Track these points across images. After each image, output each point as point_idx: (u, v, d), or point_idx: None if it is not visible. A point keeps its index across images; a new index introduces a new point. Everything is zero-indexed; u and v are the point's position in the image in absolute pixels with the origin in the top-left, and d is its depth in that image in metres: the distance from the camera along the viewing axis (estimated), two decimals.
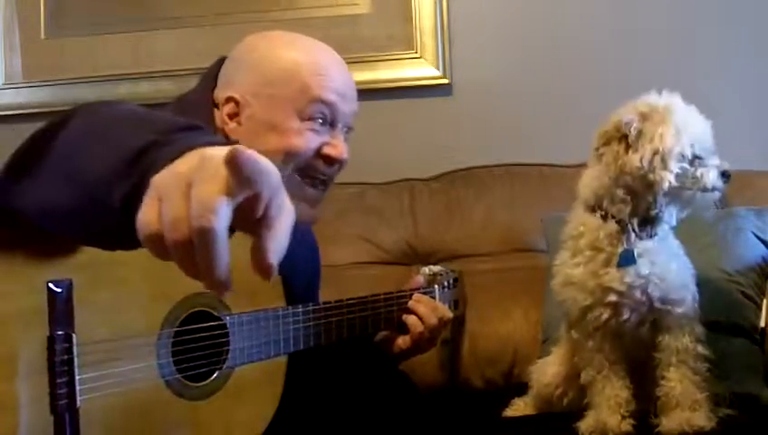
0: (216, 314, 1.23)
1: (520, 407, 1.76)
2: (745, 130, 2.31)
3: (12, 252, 0.97)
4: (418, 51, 2.46)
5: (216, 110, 1.42)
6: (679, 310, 1.51)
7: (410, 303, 1.64)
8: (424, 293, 1.69)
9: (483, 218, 2.22)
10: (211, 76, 1.46)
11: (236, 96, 1.40)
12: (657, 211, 1.50)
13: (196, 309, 1.19)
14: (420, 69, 2.46)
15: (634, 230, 1.49)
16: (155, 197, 0.68)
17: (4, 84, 2.62)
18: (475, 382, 2.00)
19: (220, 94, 1.42)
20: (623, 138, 1.46)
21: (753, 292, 1.79)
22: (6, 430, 0.96)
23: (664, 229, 1.53)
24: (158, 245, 0.67)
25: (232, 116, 1.40)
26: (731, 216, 1.95)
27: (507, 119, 2.44)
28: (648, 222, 1.51)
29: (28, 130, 0.94)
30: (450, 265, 1.97)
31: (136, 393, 1.10)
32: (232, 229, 0.67)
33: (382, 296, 1.59)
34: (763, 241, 1.89)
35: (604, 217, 1.51)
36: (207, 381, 1.21)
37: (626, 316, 1.50)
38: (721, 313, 1.73)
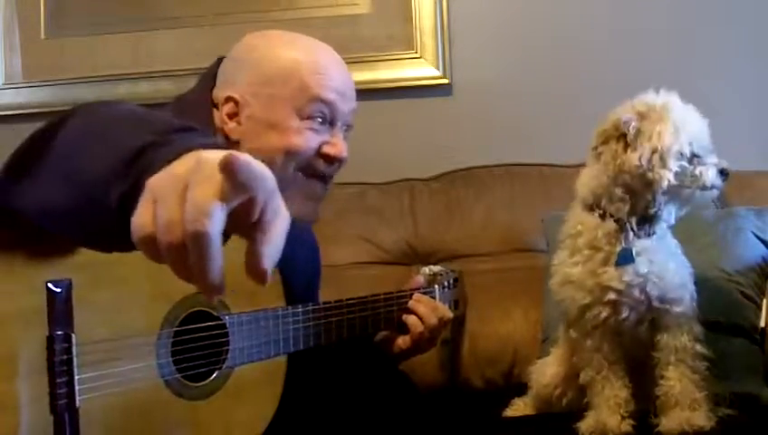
0: (215, 313, 1.23)
1: (520, 407, 1.76)
2: (745, 130, 2.31)
3: (11, 252, 0.97)
4: (418, 51, 2.46)
5: (215, 110, 1.42)
6: (677, 309, 1.51)
7: (410, 303, 1.64)
8: (424, 293, 1.69)
9: (483, 218, 2.22)
10: (210, 76, 1.46)
11: (236, 96, 1.40)
12: (655, 210, 1.50)
13: (195, 309, 1.19)
14: (420, 69, 2.46)
15: (632, 229, 1.49)
16: (150, 199, 0.68)
17: (4, 84, 2.62)
18: (475, 382, 2.00)
19: (219, 94, 1.42)
20: (621, 137, 1.46)
21: (753, 292, 1.79)
22: (6, 429, 0.96)
23: (662, 228, 1.53)
24: (152, 247, 0.67)
25: (231, 116, 1.40)
26: (731, 216, 1.95)
27: (507, 119, 2.44)
28: (647, 221, 1.51)
29: (28, 130, 0.94)
30: (450, 265, 1.97)
31: (135, 393, 1.10)
32: (227, 234, 0.67)
33: (382, 296, 1.59)
34: (763, 241, 1.89)
35: (602, 216, 1.51)
36: (207, 380, 1.21)
37: (624, 315, 1.50)
38: (721, 313, 1.73)
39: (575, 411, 1.58)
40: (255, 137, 1.37)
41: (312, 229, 1.62)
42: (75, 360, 1.02)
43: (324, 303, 1.46)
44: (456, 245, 2.20)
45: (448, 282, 1.83)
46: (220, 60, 1.48)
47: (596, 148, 1.50)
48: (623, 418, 1.49)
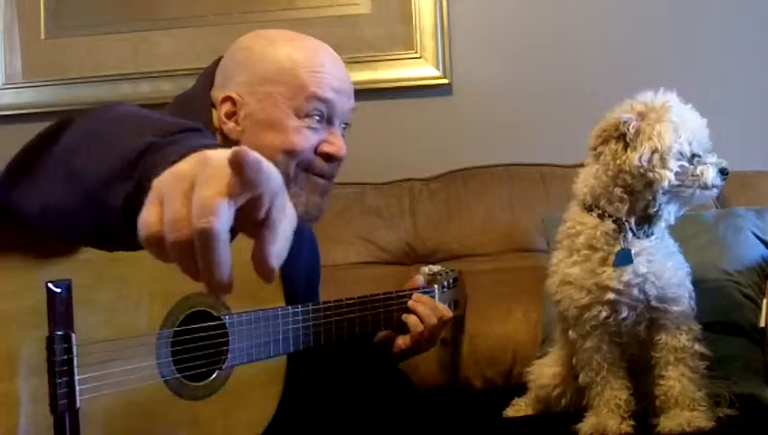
0: (215, 313, 1.23)
1: (521, 407, 1.75)
2: (745, 130, 2.31)
3: (11, 252, 0.97)
4: (418, 51, 2.46)
5: (213, 110, 1.42)
6: (676, 308, 1.50)
7: (410, 302, 1.64)
8: (424, 293, 1.69)
9: (483, 218, 2.22)
10: (208, 76, 1.46)
11: (233, 95, 1.40)
12: (656, 209, 1.49)
13: (195, 309, 1.19)
14: (420, 69, 2.46)
15: (631, 229, 1.49)
16: (156, 198, 0.68)
17: (4, 84, 2.62)
18: (475, 382, 2.00)
19: (217, 94, 1.42)
20: (621, 136, 1.46)
21: (753, 292, 1.79)
22: (6, 430, 0.96)
23: (660, 228, 1.53)
24: (159, 246, 0.67)
25: (229, 115, 1.40)
26: (731, 216, 1.94)
27: (507, 119, 2.44)
28: (645, 221, 1.51)
29: (28, 129, 0.95)
30: (450, 265, 1.97)
31: (135, 393, 1.10)
32: (234, 232, 0.67)
33: (382, 296, 1.59)
34: (763, 241, 1.89)
35: (601, 216, 1.50)
36: (207, 380, 1.21)
37: (624, 315, 1.50)
38: (721, 313, 1.73)
39: (575, 412, 1.58)
40: (254, 136, 1.37)
41: (312, 229, 1.62)
42: (75, 360, 1.02)
43: (324, 303, 1.46)
44: (455, 245, 2.20)
45: (448, 282, 1.83)
46: (218, 60, 1.48)
47: (595, 148, 1.50)
48: (623, 419, 1.49)
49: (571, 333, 1.56)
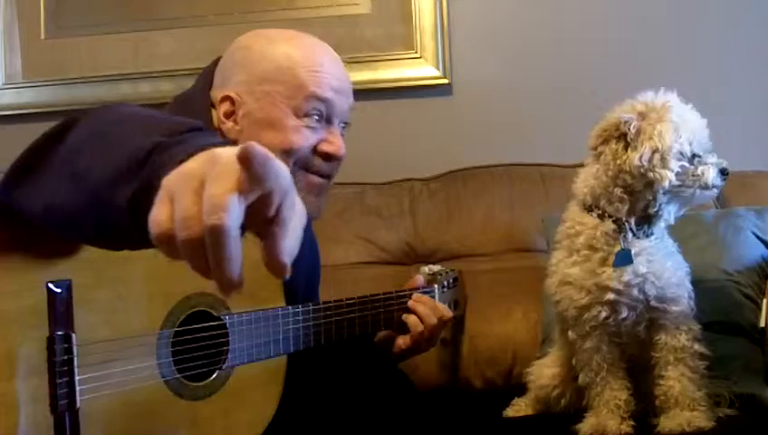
0: (215, 313, 1.23)
1: (521, 407, 1.75)
2: (745, 130, 2.31)
3: (12, 252, 0.97)
4: (418, 51, 2.46)
5: (213, 110, 1.42)
6: (676, 308, 1.50)
7: (410, 302, 1.64)
8: (424, 292, 1.69)
9: (483, 218, 2.22)
10: (207, 76, 1.46)
11: (232, 94, 1.40)
12: (656, 210, 1.49)
13: (196, 309, 1.19)
14: (420, 69, 2.46)
15: (631, 229, 1.49)
16: (167, 196, 0.68)
17: (4, 84, 2.62)
18: (475, 382, 2.00)
19: (216, 94, 1.42)
20: (622, 136, 1.46)
21: (753, 292, 1.79)
22: (6, 430, 0.96)
23: (660, 228, 1.53)
24: (170, 244, 0.67)
25: (228, 115, 1.40)
26: (731, 216, 1.95)
27: (507, 119, 2.44)
28: (646, 221, 1.51)
29: (28, 129, 0.95)
30: (450, 265, 1.97)
31: (136, 393, 1.10)
32: (243, 230, 0.67)
33: (382, 296, 1.59)
34: (763, 241, 1.89)
35: (601, 216, 1.50)
36: (207, 380, 1.21)
37: (623, 315, 1.50)
38: (721, 313, 1.73)
39: (574, 412, 1.59)
40: (252, 135, 1.36)
41: (312, 229, 1.62)
42: (75, 360, 1.02)
43: (324, 303, 1.46)
44: (455, 245, 2.20)
45: (448, 282, 1.83)
46: (217, 60, 1.48)
47: (596, 148, 1.50)
48: (623, 419, 1.49)
49: (570, 333, 1.56)
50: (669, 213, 1.51)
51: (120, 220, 0.80)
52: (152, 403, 1.13)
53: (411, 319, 1.63)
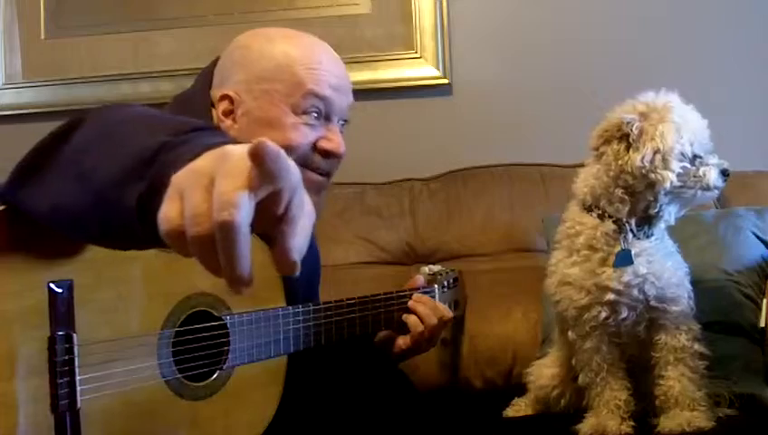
0: (216, 314, 1.23)
1: (521, 407, 1.75)
2: (745, 130, 2.31)
3: (13, 252, 0.97)
4: (418, 51, 2.46)
5: (213, 109, 1.42)
6: (675, 308, 1.51)
7: (410, 303, 1.64)
8: (424, 293, 1.69)
9: (483, 218, 2.22)
10: (206, 76, 1.46)
11: (230, 93, 1.40)
12: (656, 210, 1.49)
13: (196, 309, 1.19)
14: (420, 69, 2.46)
15: (631, 230, 1.49)
16: (176, 193, 0.68)
17: (4, 84, 2.62)
18: (475, 382, 2.00)
19: (215, 93, 1.42)
20: (624, 137, 1.46)
21: (753, 292, 1.79)
22: (7, 430, 0.96)
23: (660, 229, 1.53)
24: (180, 240, 0.67)
25: (227, 113, 1.40)
26: (731, 216, 1.95)
27: (507, 119, 2.44)
28: (646, 221, 1.51)
29: (28, 129, 0.95)
30: (450, 265, 1.97)
31: (136, 393, 1.10)
32: (252, 229, 0.67)
33: (382, 296, 1.59)
34: (763, 241, 1.90)
35: (601, 217, 1.50)
36: (208, 380, 1.21)
37: (623, 315, 1.50)
38: (721, 313, 1.73)
39: (574, 412, 1.59)
40: (251, 134, 1.36)
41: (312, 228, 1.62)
42: (76, 360, 1.02)
43: (324, 303, 1.46)
44: (455, 245, 2.20)
45: (448, 282, 1.83)
46: (216, 60, 1.48)
47: (597, 148, 1.50)
48: (623, 419, 1.49)
49: (570, 333, 1.56)
50: (670, 214, 1.51)
51: (126, 220, 0.80)
52: (153, 403, 1.13)
53: (411, 319, 1.63)
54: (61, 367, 1.00)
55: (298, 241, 0.68)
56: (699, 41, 2.39)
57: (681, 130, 1.44)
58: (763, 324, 1.73)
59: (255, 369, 1.29)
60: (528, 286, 2.01)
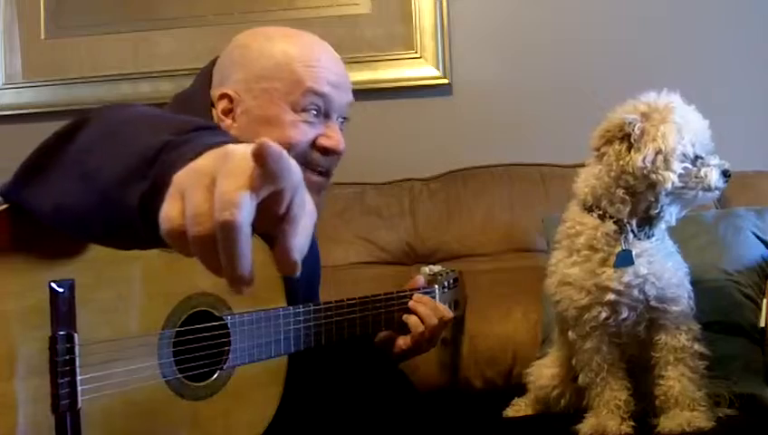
0: (217, 314, 1.23)
1: (521, 407, 1.76)
2: (745, 130, 2.31)
3: (15, 252, 0.97)
4: (418, 51, 2.46)
5: (213, 109, 1.43)
6: (676, 308, 1.51)
7: (411, 303, 1.64)
8: (424, 293, 1.69)
9: (483, 218, 2.22)
10: (205, 75, 1.46)
11: (230, 92, 1.40)
12: (657, 211, 1.49)
13: (197, 309, 1.19)
14: (420, 69, 2.46)
15: (632, 230, 1.49)
16: (178, 192, 0.68)
17: (4, 84, 2.62)
18: (474, 382, 2.00)
19: (214, 92, 1.42)
20: (625, 137, 1.46)
21: (753, 292, 1.79)
22: (7, 430, 0.96)
23: (660, 229, 1.53)
24: (181, 240, 0.67)
25: (226, 112, 1.41)
26: (731, 216, 1.95)
27: (507, 119, 2.44)
28: (647, 222, 1.51)
29: (28, 129, 0.95)
30: (450, 266, 1.97)
31: (137, 393, 1.10)
32: (254, 229, 0.67)
33: (383, 297, 1.59)
34: (763, 241, 1.90)
35: (602, 217, 1.50)
36: (208, 381, 1.21)
37: (624, 316, 1.50)
38: (721, 313, 1.73)
39: (574, 412, 1.59)
40: (251, 132, 1.36)
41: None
42: (77, 360, 1.02)
43: (325, 303, 1.46)
44: (455, 245, 2.20)
45: (448, 282, 1.83)
46: (215, 60, 1.48)
47: (598, 148, 1.50)
48: (623, 419, 1.49)
49: (570, 333, 1.56)
50: (671, 214, 1.51)
51: (129, 219, 0.80)
52: (153, 403, 1.13)
53: (412, 319, 1.63)
54: (62, 367, 1.00)
55: (299, 241, 0.68)
56: (700, 41, 2.39)
57: (683, 130, 1.44)
58: (763, 324, 1.74)
59: (256, 369, 1.29)
60: (528, 286, 2.01)
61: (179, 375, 1.16)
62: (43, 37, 2.61)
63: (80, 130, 0.92)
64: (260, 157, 0.64)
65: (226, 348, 1.24)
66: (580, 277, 1.51)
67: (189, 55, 2.46)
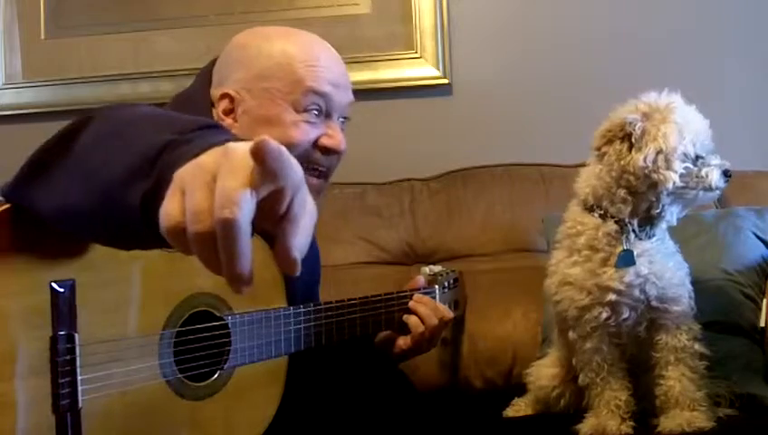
0: (217, 314, 1.23)
1: (521, 407, 1.76)
2: (745, 130, 2.31)
3: (16, 252, 0.97)
4: (418, 51, 2.46)
5: (213, 109, 1.43)
6: (676, 308, 1.51)
7: (411, 303, 1.64)
8: (424, 293, 1.69)
9: (483, 218, 2.22)
10: (206, 75, 1.46)
11: (230, 92, 1.40)
12: (658, 211, 1.49)
13: (198, 309, 1.19)
14: (420, 69, 2.46)
15: (633, 230, 1.49)
16: (178, 189, 0.68)
17: (4, 84, 2.62)
18: (474, 382, 1.99)
19: (215, 92, 1.42)
20: (626, 137, 1.46)
21: (753, 292, 1.79)
22: (7, 429, 0.96)
23: (661, 229, 1.53)
24: (181, 237, 0.67)
25: (227, 112, 1.41)
26: (731, 216, 1.95)
27: (507, 119, 2.45)
28: (648, 222, 1.51)
29: (28, 129, 0.95)
30: (450, 266, 1.97)
31: (137, 393, 1.10)
32: (253, 228, 0.67)
33: (383, 297, 1.59)
34: (763, 241, 1.90)
35: (603, 217, 1.50)
36: (209, 381, 1.21)
37: (625, 316, 1.50)
38: (721, 313, 1.73)
39: (574, 412, 1.59)
40: (252, 132, 1.36)
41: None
42: (78, 360, 1.02)
43: (325, 303, 1.46)
44: (456, 245, 2.20)
45: (449, 282, 1.83)
46: (215, 60, 1.48)
47: (599, 148, 1.50)
48: (623, 419, 1.49)
49: (570, 333, 1.56)
50: (672, 214, 1.51)
51: (132, 219, 0.80)
52: (154, 403, 1.13)
53: (412, 320, 1.63)
54: (62, 367, 1.00)
55: (299, 240, 0.68)
56: (700, 41, 2.39)
57: (684, 130, 1.44)
58: (762, 324, 1.74)
59: (256, 369, 1.29)
60: (528, 286, 2.00)
61: (180, 375, 1.16)
62: (43, 37, 2.61)
63: (82, 129, 0.92)
64: (259, 154, 0.64)
65: (227, 348, 1.24)
66: (581, 277, 1.51)
67: (189, 55, 2.46)
